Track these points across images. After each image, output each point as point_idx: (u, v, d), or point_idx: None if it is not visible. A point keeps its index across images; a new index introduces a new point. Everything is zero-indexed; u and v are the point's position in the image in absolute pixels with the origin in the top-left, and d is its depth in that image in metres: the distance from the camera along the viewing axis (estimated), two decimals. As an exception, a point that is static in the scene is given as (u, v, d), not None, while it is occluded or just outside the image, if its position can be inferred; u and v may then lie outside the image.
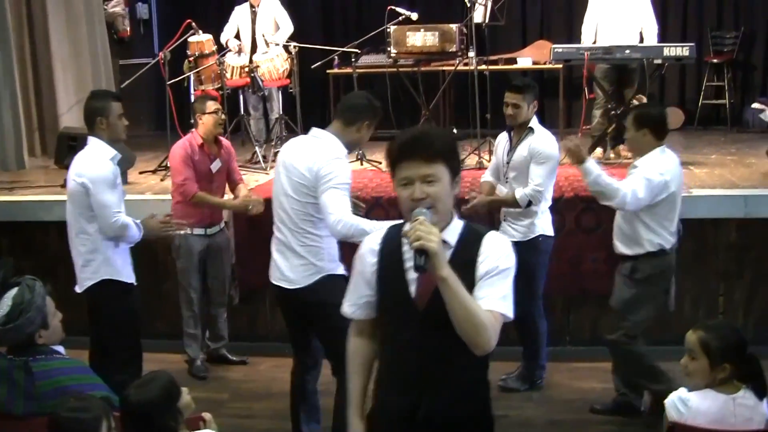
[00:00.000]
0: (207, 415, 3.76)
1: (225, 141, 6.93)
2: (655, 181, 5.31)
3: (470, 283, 2.95)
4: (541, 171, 5.86)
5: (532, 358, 6.39)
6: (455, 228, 3.08)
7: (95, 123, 5.32)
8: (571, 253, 6.78)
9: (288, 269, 4.94)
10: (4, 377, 3.73)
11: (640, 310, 5.53)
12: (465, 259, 3.00)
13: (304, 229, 4.87)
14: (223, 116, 6.75)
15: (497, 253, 3.04)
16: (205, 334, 7.01)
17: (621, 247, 5.60)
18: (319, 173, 4.74)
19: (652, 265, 5.48)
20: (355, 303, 3.27)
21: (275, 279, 5.03)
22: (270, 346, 7.07)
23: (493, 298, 2.97)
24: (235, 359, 7.07)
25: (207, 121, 6.60)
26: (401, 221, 3.11)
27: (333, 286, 4.68)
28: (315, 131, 5.00)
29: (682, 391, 3.75)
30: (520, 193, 5.88)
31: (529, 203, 5.88)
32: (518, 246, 5.93)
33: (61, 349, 3.98)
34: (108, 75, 10.41)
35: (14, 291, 3.80)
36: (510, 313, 3.01)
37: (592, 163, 5.42)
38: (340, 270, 4.91)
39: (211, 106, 6.63)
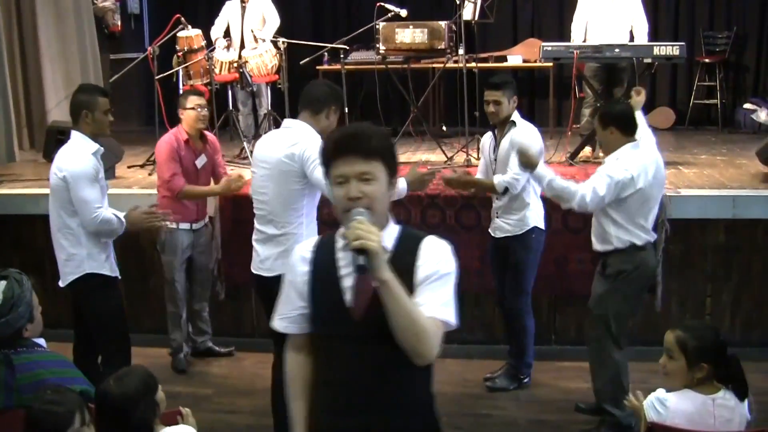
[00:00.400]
0: (185, 410, 3.75)
1: (211, 136, 6.91)
2: (617, 178, 5.19)
3: (409, 289, 2.75)
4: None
5: (519, 356, 6.39)
6: (392, 232, 2.91)
7: (80, 116, 5.32)
8: (557, 253, 6.76)
9: (267, 257, 5.12)
10: (-15, 370, 3.71)
11: (610, 305, 5.43)
12: (403, 264, 2.80)
13: (284, 218, 5.06)
14: (204, 112, 6.66)
15: (437, 257, 2.85)
16: (190, 329, 7.00)
17: (595, 243, 5.55)
18: (303, 156, 4.93)
19: (621, 260, 5.38)
20: (287, 316, 3.05)
21: (255, 268, 5.19)
22: (255, 342, 7.09)
23: (434, 304, 2.78)
24: (221, 351, 7.08)
25: (188, 116, 6.58)
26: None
27: None
28: (287, 122, 5.27)
29: (660, 392, 3.76)
30: (498, 179, 5.94)
31: (506, 190, 5.93)
32: (511, 240, 6.00)
33: (42, 341, 3.96)
34: (96, 70, 10.33)
35: (3, 285, 3.77)
36: (453, 319, 2.82)
37: (542, 168, 5.34)
38: None
39: (192, 101, 6.60)
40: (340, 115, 5.41)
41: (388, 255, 2.77)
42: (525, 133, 5.91)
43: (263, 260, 5.14)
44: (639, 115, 5.58)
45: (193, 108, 6.56)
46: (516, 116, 6.04)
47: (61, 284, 5.43)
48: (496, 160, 6.09)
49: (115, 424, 3.41)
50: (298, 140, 4.97)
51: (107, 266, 5.43)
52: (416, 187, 5.44)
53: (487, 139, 6.29)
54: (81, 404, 3.26)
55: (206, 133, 6.81)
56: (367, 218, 2.71)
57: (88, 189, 5.22)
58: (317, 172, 4.81)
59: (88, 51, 10.11)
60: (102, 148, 5.42)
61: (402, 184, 5.23)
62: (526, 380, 6.43)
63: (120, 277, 5.55)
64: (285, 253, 4.97)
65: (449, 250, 2.90)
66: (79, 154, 5.27)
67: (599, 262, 5.58)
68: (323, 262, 2.91)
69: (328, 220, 6.45)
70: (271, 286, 5.00)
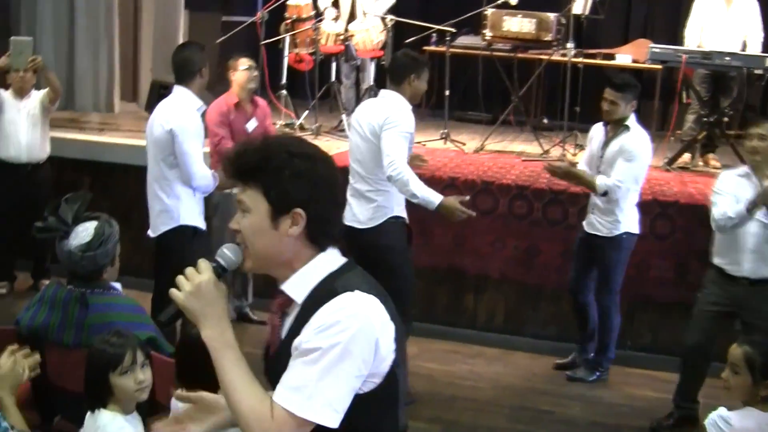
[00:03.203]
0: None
1: (261, 101, 6.99)
2: None
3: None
4: (625, 168, 5.86)
5: (603, 351, 6.39)
6: (310, 277, 2.25)
7: (192, 74, 5.43)
8: (638, 258, 6.59)
9: (360, 212, 5.46)
10: (59, 307, 3.82)
11: None
12: (301, 323, 2.20)
13: (376, 175, 5.41)
14: (255, 73, 6.70)
15: (325, 323, 2.13)
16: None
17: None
18: (386, 121, 5.35)
19: None
20: None
21: (347, 220, 5.43)
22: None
23: (284, 386, 2.12)
24: (255, 319, 6.95)
25: (239, 78, 6.62)
26: None
27: (396, 230, 5.48)
28: (383, 92, 5.65)
29: (722, 410, 3.70)
30: (601, 180, 5.91)
31: (605, 193, 5.90)
32: (602, 240, 6.01)
33: (118, 286, 4.05)
34: (182, 28, 10.50)
35: (95, 223, 3.87)
36: (308, 413, 2.09)
37: None
38: (404, 215, 5.54)
39: (244, 62, 6.64)
40: (430, 85, 5.86)
41: (297, 309, 2.26)
42: (635, 141, 5.93)
43: (355, 214, 5.46)
44: None
45: (246, 69, 6.60)
46: (632, 121, 6.00)
47: (151, 234, 5.53)
48: (602, 157, 6.07)
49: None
50: (385, 109, 5.41)
51: (200, 219, 5.55)
52: (445, 214, 5.45)
53: (597, 131, 6.23)
54: (135, 346, 3.33)
55: (257, 97, 6.89)
56: (229, 260, 2.26)
57: (193, 143, 5.33)
58: (385, 138, 5.29)
59: (180, 9, 10.33)
60: (204, 106, 5.56)
61: (433, 198, 5.35)
62: (604, 374, 6.42)
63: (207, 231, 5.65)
64: (376, 208, 5.44)
65: (353, 317, 2.15)
66: (186, 109, 5.40)
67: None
68: None
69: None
70: (359, 239, 5.40)
